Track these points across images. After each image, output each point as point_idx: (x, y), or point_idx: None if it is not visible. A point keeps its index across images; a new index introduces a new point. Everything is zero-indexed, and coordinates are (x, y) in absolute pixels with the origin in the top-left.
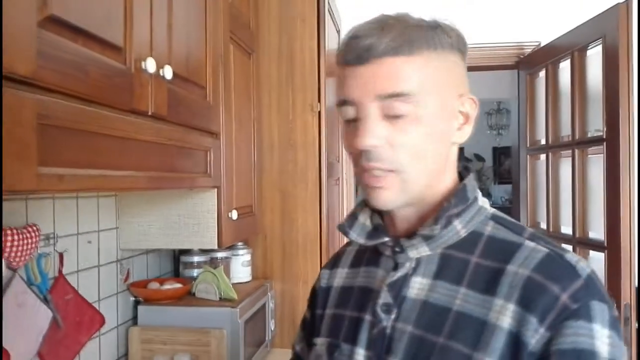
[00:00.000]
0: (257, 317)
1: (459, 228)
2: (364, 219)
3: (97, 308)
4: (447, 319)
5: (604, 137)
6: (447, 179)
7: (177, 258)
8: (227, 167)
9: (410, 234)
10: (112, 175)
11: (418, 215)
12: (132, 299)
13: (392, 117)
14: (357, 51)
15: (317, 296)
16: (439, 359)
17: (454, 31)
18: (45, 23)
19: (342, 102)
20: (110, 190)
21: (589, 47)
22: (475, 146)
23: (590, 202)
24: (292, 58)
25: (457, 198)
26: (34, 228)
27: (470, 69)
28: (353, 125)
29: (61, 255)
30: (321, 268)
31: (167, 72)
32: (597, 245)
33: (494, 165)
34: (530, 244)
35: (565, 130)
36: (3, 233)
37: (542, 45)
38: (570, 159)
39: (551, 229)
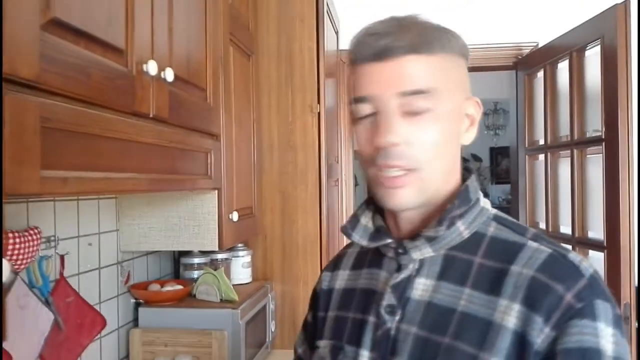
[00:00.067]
0: (258, 318)
1: (462, 229)
2: (366, 221)
3: (98, 310)
4: (451, 320)
5: (603, 137)
6: (453, 180)
7: (177, 260)
8: (227, 169)
9: (414, 236)
10: (114, 178)
11: (422, 216)
12: (133, 301)
13: (411, 115)
14: (376, 48)
15: (318, 298)
16: (445, 359)
17: (460, 37)
18: (48, 26)
19: (359, 100)
20: (113, 193)
21: (587, 48)
22: (472, 146)
23: (589, 202)
24: (291, 59)
25: (460, 199)
26: (36, 231)
27: (469, 69)
28: (369, 123)
29: (62, 258)
30: (322, 270)
31: (169, 75)
32: (596, 245)
33: (491, 165)
34: (533, 244)
35: (564, 131)
36: (4, 236)
37: (540, 46)
38: (569, 159)
39: (550, 229)
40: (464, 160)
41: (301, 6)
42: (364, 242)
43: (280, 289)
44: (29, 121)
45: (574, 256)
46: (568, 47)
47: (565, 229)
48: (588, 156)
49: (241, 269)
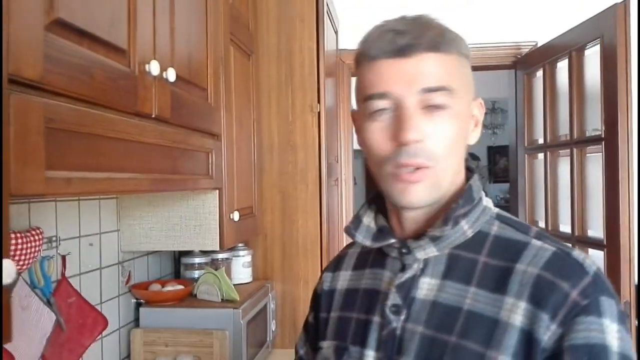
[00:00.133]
0: (259, 317)
1: (466, 228)
2: (368, 221)
3: (100, 310)
4: (458, 318)
5: (603, 136)
6: (459, 179)
7: (178, 260)
8: (228, 169)
9: (418, 235)
10: (117, 178)
11: (427, 216)
12: (134, 301)
13: (429, 112)
14: (397, 45)
15: (320, 299)
16: (452, 358)
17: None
18: (52, 26)
19: (376, 96)
20: (116, 193)
21: (587, 47)
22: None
23: (588, 200)
24: (291, 59)
25: (464, 198)
26: (37, 231)
27: None
28: (387, 120)
29: (64, 258)
30: (323, 271)
31: (171, 75)
32: (596, 244)
33: (489, 164)
34: (537, 242)
35: (563, 130)
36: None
37: (538, 45)
38: (568, 158)
39: (550, 228)
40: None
41: (301, 6)
42: (368, 243)
43: (280, 288)
44: (33, 122)
45: (578, 254)
46: (567, 47)
47: (565, 227)
48: (587, 155)
49: (242, 268)
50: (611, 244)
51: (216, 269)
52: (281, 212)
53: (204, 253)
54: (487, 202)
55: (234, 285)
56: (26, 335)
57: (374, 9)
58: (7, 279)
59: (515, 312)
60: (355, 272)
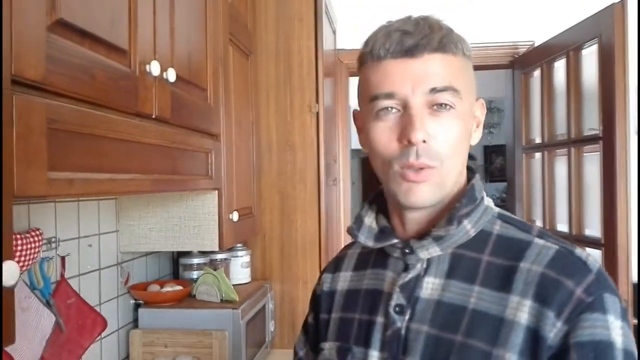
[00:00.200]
0: (258, 318)
1: (469, 228)
2: (370, 222)
3: (99, 311)
4: (463, 317)
5: (601, 135)
6: (462, 179)
7: (176, 260)
8: (227, 169)
9: (421, 235)
10: (118, 179)
11: (429, 217)
12: (133, 301)
13: (436, 112)
14: (406, 45)
15: (320, 300)
16: (459, 356)
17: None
18: (54, 27)
19: (383, 96)
20: (117, 194)
21: (584, 47)
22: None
23: (586, 199)
24: (290, 58)
25: (467, 198)
26: (37, 232)
27: None
28: (393, 120)
29: (63, 259)
30: (322, 272)
31: (171, 75)
32: (594, 243)
33: (485, 164)
34: (539, 241)
35: (560, 129)
36: None
37: (536, 45)
38: (565, 157)
39: (547, 227)
40: None
41: (299, 5)
42: (370, 243)
43: (279, 288)
44: (36, 122)
45: (580, 252)
46: (565, 46)
47: (562, 226)
48: (585, 154)
49: (240, 269)
50: (609, 243)
51: (215, 270)
52: (280, 212)
53: (203, 254)
54: (489, 201)
55: (233, 285)
56: (26, 337)
57: (372, 10)
58: (10, 281)
59: (521, 310)
60: (356, 272)
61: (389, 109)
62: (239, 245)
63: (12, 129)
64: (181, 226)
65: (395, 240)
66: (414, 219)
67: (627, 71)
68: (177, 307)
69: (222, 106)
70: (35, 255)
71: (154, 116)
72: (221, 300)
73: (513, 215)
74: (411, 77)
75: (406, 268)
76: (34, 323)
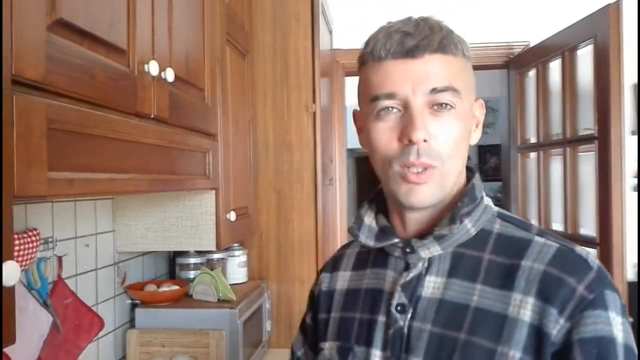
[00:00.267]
0: (255, 317)
1: (469, 227)
2: (370, 221)
3: (96, 311)
4: (466, 315)
5: (596, 135)
6: (462, 179)
7: (173, 260)
8: (224, 169)
9: (423, 234)
10: (117, 179)
11: (430, 216)
12: (129, 301)
13: (436, 112)
14: (407, 46)
15: (318, 300)
16: (463, 354)
17: None
18: (54, 27)
19: (384, 96)
20: (116, 194)
21: (579, 47)
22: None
23: (580, 199)
24: (287, 58)
25: (468, 197)
26: (35, 232)
27: None
28: (394, 120)
29: (60, 259)
30: (319, 271)
31: (169, 75)
32: (589, 242)
33: (480, 163)
34: (540, 239)
35: (555, 129)
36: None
37: (531, 45)
38: (560, 157)
39: (542, 226)
40: None
41: (296, 5)
42: (371, 243)
43: (275, 288)
44: (36, 122)
45: (581, 249)
46: (560, 47)
47: (557, 226)
48: (580, 154)
49: (237, 268)
50: (604, 241)
51: (211, 269)
52: (276, 211)
53: (199, 253)
54: (488, 201)
55: (230, 285)
56: (23, 337)
57: (368, 10)
58: (11, 281)
59: (524, 308)
60: (356, 272)
61: (390, 109)
62: (235, 245)
63: (13, 129)
64: (178, 226)
65: (396, 240)
66: (415, 219)
67: (622, 72)
68: (174, 307)
69: (220, 106)
70: (33, 256)
71: (152, 116)
72: (218, 300)
73: (512, 214)
74: (412, 78)
75: (407, 267)
76: (31, 323)
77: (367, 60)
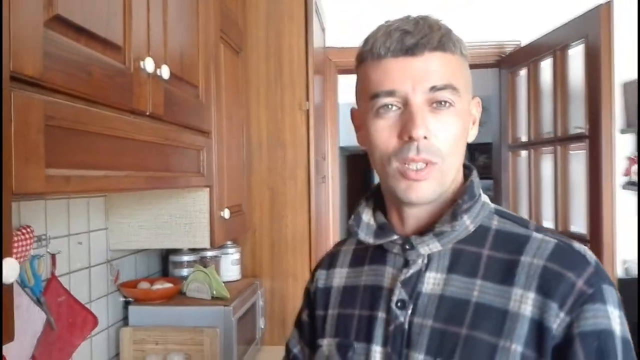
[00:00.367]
0: (248, 315)
1: (468, 223)
2: (367, 218)
3: (89, 309)
4: (467, 311)
5: (586, 133)
6: (460, 176)
7: (166, 257)
8: (218, 166)
9: (421, 231)
10: (113, 176)
11: (429, 213)
12: (122, 299)
13: (435, 110)
14: (407, 44)
15: (315, 297)
16: (465, 348)
17: None
18: (51, 23)
19: (384, 94)
20: (112, 191)
21: (571, 47)
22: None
23: (571, 197)
24: (280, 56)
25: (467, 194)
26: (28, 229)
27: None
28: (393, 117)
29: (53, 257)
30: (315, 268)
31: (165, 72)
32: (579, 239)
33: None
34: (538, 235)
35: (546, 128)
36: None
37: (522, 44)
38: (551, 155)
39: None
40: None
41: (290, 3)
42: (370, 240)
43: (269, 285)
44: (34, 119)
45: (579, 245)
46: (551, 46)
47: (548, 223)
48: (571, 152)
49: (230, 266)
50: (594, 239)
51: (205, 267)
52: (270, 208)
53: (193, 251)
54: (485, 198)
55: (223, 282)
56: (17, 335)
57: (360, 8)
58: (11, 278)
59: (525, 303)
60: (353, 269)
61: (390, 106)
62: (228, 242)
63: (11, 126)
64: (172, 223)
65: (395, 237)
66: (414, 215)
67: (612, 71)
68: (168, 305)
69: (214, 103)
70: (27, 253)
71: (147, 113)
72: (212, 297)
73: (509, 211)
74: (412, 75)
75: (406, 264)
76: (25, 321)
77: (366, 58)
